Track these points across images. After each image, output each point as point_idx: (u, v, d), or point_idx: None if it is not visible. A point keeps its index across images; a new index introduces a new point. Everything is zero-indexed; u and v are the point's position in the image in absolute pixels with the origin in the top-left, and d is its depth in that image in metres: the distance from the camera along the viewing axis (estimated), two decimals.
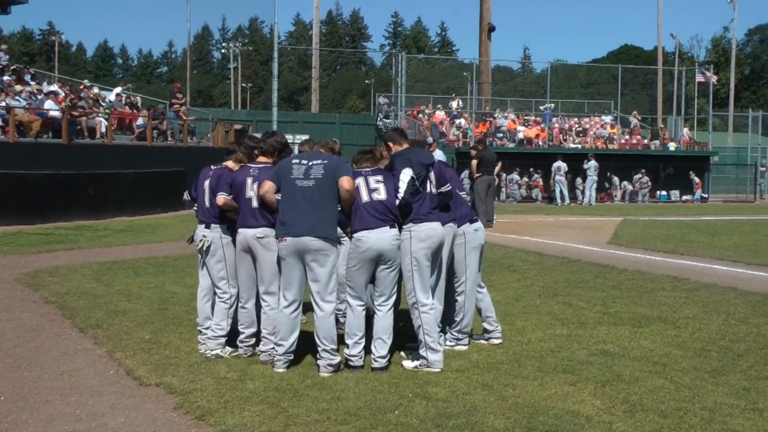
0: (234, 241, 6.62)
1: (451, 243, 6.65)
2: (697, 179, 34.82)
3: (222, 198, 6.58)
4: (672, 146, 37.12)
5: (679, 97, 42.63)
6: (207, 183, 6.80)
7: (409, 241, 6.16)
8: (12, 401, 5.47)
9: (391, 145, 6.43)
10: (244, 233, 6.45)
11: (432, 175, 6.38)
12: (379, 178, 6.24)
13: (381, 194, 6.16)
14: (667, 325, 7.83)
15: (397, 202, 6.11)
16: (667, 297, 9.42)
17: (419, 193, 6.17)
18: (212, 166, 6.98)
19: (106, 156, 22.12)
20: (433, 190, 6.35)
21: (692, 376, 6.02)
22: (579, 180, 31.93)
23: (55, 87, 24.80)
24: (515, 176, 32.60)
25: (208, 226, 6.75)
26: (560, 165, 30.69)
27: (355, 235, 6.11)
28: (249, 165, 6.71)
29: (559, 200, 30.88)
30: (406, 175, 6.11)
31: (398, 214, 6.14)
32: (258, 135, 8.52)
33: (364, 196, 6.16)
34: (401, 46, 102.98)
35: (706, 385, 5.77)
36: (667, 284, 10.37)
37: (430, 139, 23.50)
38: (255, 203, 6.41)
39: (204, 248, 6.73)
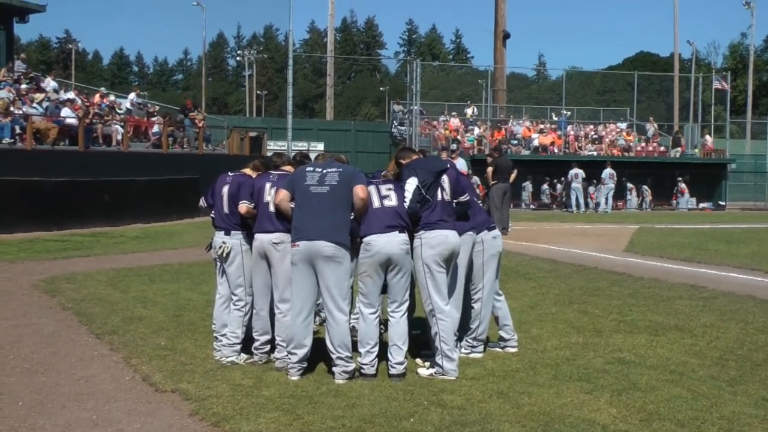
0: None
1: (470, 251, 6.65)
2: (682, 185, 34.56)
3: (244, 206, 6.61)
4: (696, 153, 36.98)
5: (695, 104, 42.40)
6: (225, 189, 6.83)
7: (420, 248, 6.18)
8: (30, 406, 5.51)
9: (402, 162, 6.47)
10: (261, 239, 6.48)
11: (446, 183, 6.39)
12: (390, 186, 6.31)
13: (392, 201, 6.20)
14: (684, 334, 7.78)
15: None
16: (684, 305, 9.37)
17: (427, 201, 6.19)
18: (229, 173, 7.02)
19: (122, 163, 22.26)
20: (447, 198, 6.36)
21: (710, 385, 5.98)
22: (591, 188, 31.89)
23: (71, 95, 25.04)
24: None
25: (227, 233, 6.77)
26: (578, 172, 30.64)
27: (365, 240, 6.13)
28: (269, 172, 6.77)
29: (574, 207, 30.80)
30: (411, 184, 6.16)
31: (408, 221, 6.17)
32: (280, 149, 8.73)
33: (375, 203, 6.20)
34: (416, 54, 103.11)
35: (724, 395, 5.73)
36: (684, 292, 10.31)
37: (453, 146, 23.52)
38: (272, 207, 6.45)
39: (224, 255, 6.76)
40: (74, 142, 21.32)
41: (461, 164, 18.09)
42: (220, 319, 6.88)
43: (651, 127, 39.01)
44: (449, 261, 6.28)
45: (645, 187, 34.35)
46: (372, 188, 6.25)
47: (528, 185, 33.39)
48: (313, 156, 7.74)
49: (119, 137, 23.34)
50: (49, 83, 25.17)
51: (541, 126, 37.72)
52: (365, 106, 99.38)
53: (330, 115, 48.53)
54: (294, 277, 6.14)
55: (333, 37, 50.64)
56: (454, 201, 6.44)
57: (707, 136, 38.47)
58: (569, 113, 39.70)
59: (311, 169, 6.29)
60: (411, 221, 6.19)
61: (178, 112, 28.69)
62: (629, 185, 34.09)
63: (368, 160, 34.94)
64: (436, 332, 6.17)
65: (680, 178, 34.55)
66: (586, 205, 31.47)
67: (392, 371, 6.11)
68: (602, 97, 64.13)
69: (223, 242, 6.76)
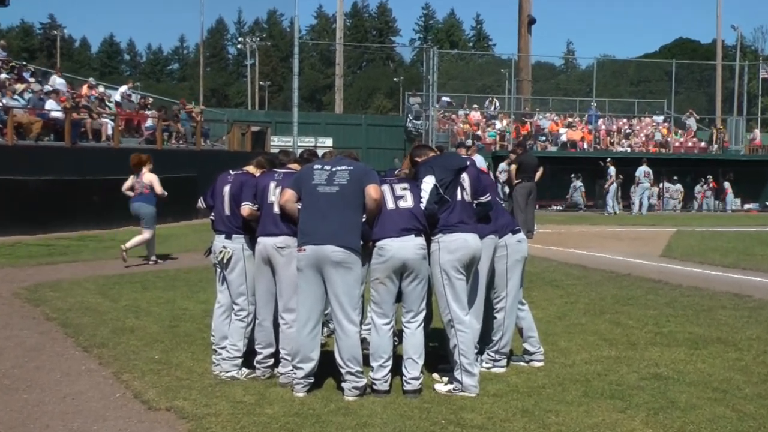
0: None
1: (492, 256, 6.64)
2: (726, 184, 34.36)
3: (247, 208, 6.61)
4: (742, 149, 36.82)
5: (740, 95, 42.21)
6: (227, 189, 6.83)
7: (437, 253, 6.17)
8: (10, 426, 5.53)
9: (417, 160, 6.47)
10: (264, 242, 6.48)
11: (466, 181, 6.37)
12: (405, 185, 6.30)
13: (408, 201, 6.19)
14: (727, 347, 7.75)
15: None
16: (727, 316, 9.33)
17: (446, 202, 6.17)
18: (231, 171, 7.03)
19: (113, 160, 22.25)
20: (467, 198, 6.35)
21: (756, 404, 5.95)
22: (633, 188, 31.77)
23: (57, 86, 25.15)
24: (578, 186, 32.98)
25: (228, 237, 6.78)
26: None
27: (378, 244, 6.12)
28: (274, 170, 6.77)
29: (611, 208, 30.74)
30: (428, 183, 6.14)
31: (426, 224, 6.16)
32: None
33: (390, 204, 6.19)
34: (433, 41, 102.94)
35: None
36: (727, 302, 10.27)
37: (469, 142, 23.55)
38: (276, 209, 6.46)
39: (224, 260, 6.77)
40: (60, 138, 21.37)
41: (479, 160, 18.07)
42: (220, 331, 6.89)
43: (691, 121, 38.81)
44: (469, 267, 6.26)
45: (699, 186, 34.12)
46: (386, 188, 6.24)
47: (579, 184, 33.10)
48: (321, 153, 7.75)
49: (109, 132, 23.41)
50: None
51: (570, 119, 37.65)
52: (377, 99, 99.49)
53: (339, 108, 48.66)
54: (300, 284, 6.14)
55: (342, 23, 50.78)
56: (475, 201, 6.43)
57: (756, 131, 38.24)
58: (600, 109, 39.53)
59: (319, 166, 6.28)
60: (428, 223, 6.18)
61: (178, 108, 28.69)
62: (667, 185, 33.93)
63: (381, 157, 34.99)
64: (455, 345, 6.16)
65: (710, 176, 34.33)
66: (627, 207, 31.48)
67: (407, 387, 6.10)
68: (637, 87, 63.88)
69: (224, 247, 6.77)
